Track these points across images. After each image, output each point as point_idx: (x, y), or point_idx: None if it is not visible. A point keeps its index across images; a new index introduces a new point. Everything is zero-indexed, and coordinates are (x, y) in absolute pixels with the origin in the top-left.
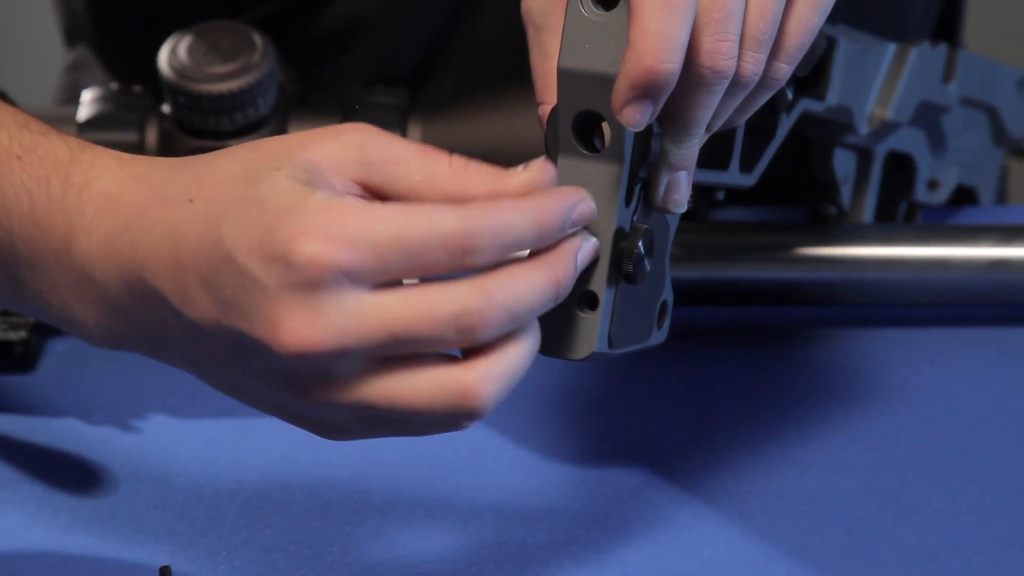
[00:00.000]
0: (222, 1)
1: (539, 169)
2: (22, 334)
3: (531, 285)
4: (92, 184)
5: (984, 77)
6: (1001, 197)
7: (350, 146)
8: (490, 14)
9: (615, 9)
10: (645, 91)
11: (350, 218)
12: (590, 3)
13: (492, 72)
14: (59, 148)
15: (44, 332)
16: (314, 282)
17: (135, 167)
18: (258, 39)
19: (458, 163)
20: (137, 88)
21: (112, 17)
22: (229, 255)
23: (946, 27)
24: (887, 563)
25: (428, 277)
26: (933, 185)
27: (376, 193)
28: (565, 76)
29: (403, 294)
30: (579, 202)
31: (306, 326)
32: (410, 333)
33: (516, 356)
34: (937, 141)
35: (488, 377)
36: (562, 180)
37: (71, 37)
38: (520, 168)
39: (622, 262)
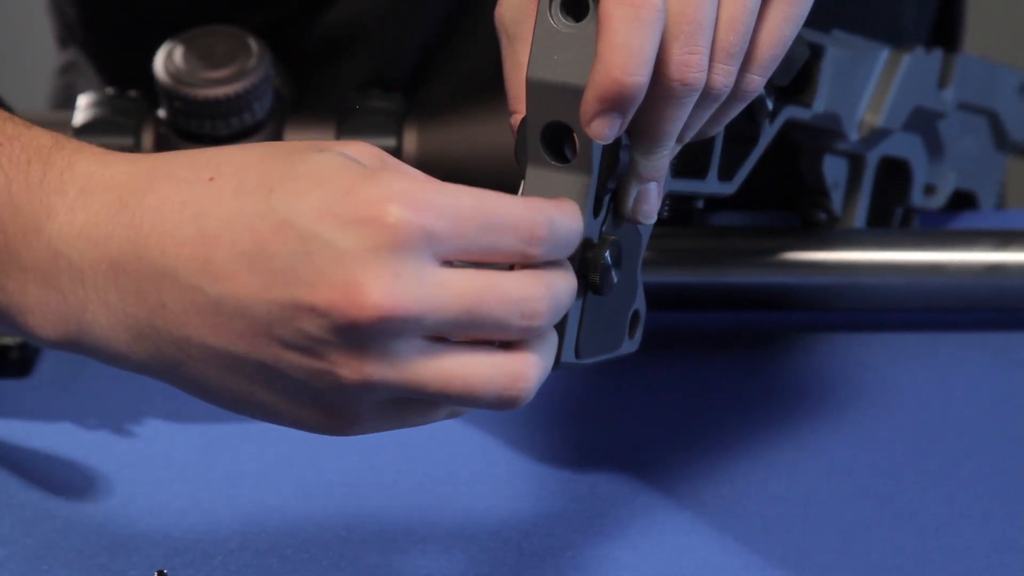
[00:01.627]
0: (218, 7)
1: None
2: (18, 339)
3: (570, 286)
4: (75, 165)
5: (984, 81)
6: (999, 202)
7: (369, 150)
8: (486, 20)
9: (584, 20)
10: (613, 104)
11: (431, 188)
12: (559, 14)
13: (487, 78)
14: (43, 136)
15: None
16: (400, 245)
17: (125, 156)
18: (254, 44)
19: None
20: (133, 93)
21: (106, 23)
22: (285, 222)
23: (945, 30)
24: (883, 567)
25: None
26: (930, 190)
27: None
28: (534, 87)
29: (477, 273)
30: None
31: (388, 289)
32: (482, 310)
33: (552, 349)
34: (934, 146)
35: (537, 363)
36: (530, 190)
37: (64, 41)
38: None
39: (589, 272)
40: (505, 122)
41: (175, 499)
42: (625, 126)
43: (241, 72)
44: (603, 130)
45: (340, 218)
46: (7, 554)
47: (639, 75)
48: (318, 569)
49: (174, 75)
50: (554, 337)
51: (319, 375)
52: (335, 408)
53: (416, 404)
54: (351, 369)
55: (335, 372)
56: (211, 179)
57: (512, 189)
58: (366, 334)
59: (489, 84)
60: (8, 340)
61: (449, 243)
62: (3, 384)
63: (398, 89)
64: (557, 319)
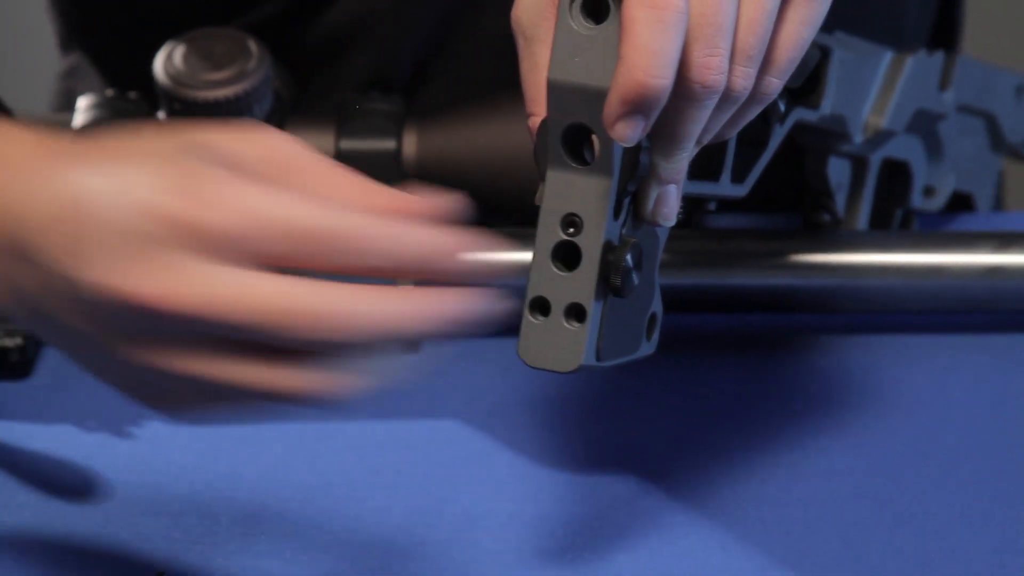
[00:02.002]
0: (214, 5)
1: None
2: (18, 340)
3: (389, 306)
4: None
5: (982, 83)
6: (998, 204)
7: (254, 143)
8: (486, 21)
9: (605, 22)
10: (637, 106)
11: (222, 187)
12: (580, 16)
13: (488, 79)
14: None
15: (40, 339)
16: (168, 239)
17: (44, 134)
18: (253, 46)
19: (357, 179)
20: (133, 95)
21: (106, 24)
22: (111, 207)
23: (945, 31)
24: (882, 570)
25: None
26: (929, 192)
27: None
28: (555, 89)
29: (256, 278)
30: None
31: (142, 279)
32: (236, 315)
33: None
34: (933, 148)
35: (299, 378)
36: (551, 192)
37: (66, 44)
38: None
39: (610, 275)
40: (505, 124)
41: (174, 501)
42: (648, 128)
43: (241, 74)
44: (627, 132)
45: (135, 205)
46: (6, 556)
47: (663, 77)
48: (318, 571)
49: (174, 77)
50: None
51: (119, 357)
52: (157, 391)
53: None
54: (134, 354)
55: (126, 354)
56: (88, 160)
57: (511, 190)
58: (126, 319)
59: (489, 85)
60: (8, 342)
61: (227, 244)
62: (2, 386)
63: (398, 90)
64: (345, 335)
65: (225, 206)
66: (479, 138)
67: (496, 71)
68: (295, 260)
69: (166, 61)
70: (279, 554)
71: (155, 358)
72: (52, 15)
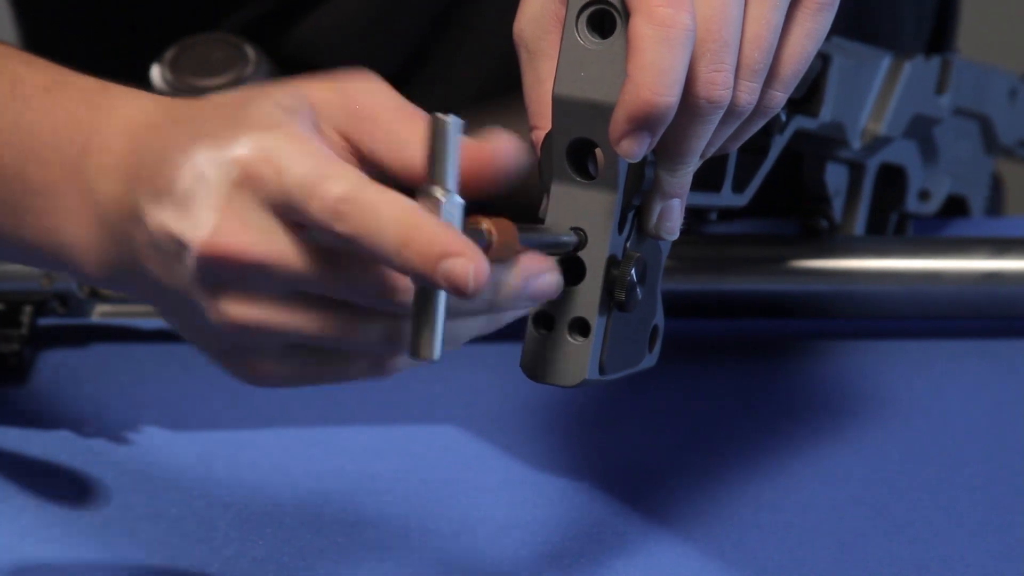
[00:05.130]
0: (196, 9)
1: (504, 139)
2: (15, 346)
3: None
4: (118, 108)
5: (977, 85)
6: (997, 209)
7: (344, 94)
8: (477, 26)
9: (611, 37)
10: (643, 123)
11: (290, 145)
12: (586, 31)
13: (483, 84)
14: (88, 80)
15: (37, 343)
16: (250, 188)
17: (164, 99)
18: (250, 51)
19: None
20: None
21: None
22: (192, 159)
23: (939, 32)
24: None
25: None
26: (924, 196)
27: (353, 145)
28: (560, 103)
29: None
30: (457, 257)
31: (231, 230)
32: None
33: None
34: (929, 152)
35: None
36: (555, 206)
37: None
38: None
39: (614, 290)
40: (503, 127)
41: (172, 506)
42: (654, 144)
43: (238, 80)
44: (633, 149)
45: (219, 160)
46: (4, 562)
47: (670, 95)
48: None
49: (171, 83)
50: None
51: (203, 313)
52: (233, 350)
53: (320, 355)
54: (220, 307)
55: (210, 310)
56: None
57: (509, 193)
58: (222, 273)
59: (485, 90)
60: (5, 347)
61: (278, 195)
62: (0, 391)
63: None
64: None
65: (308, 167)
66: None
67: (491, 76)
68: (311, 221)
69: (163, 67)
70: (276, 558)
71: (237, 309)
72: (16, 19)
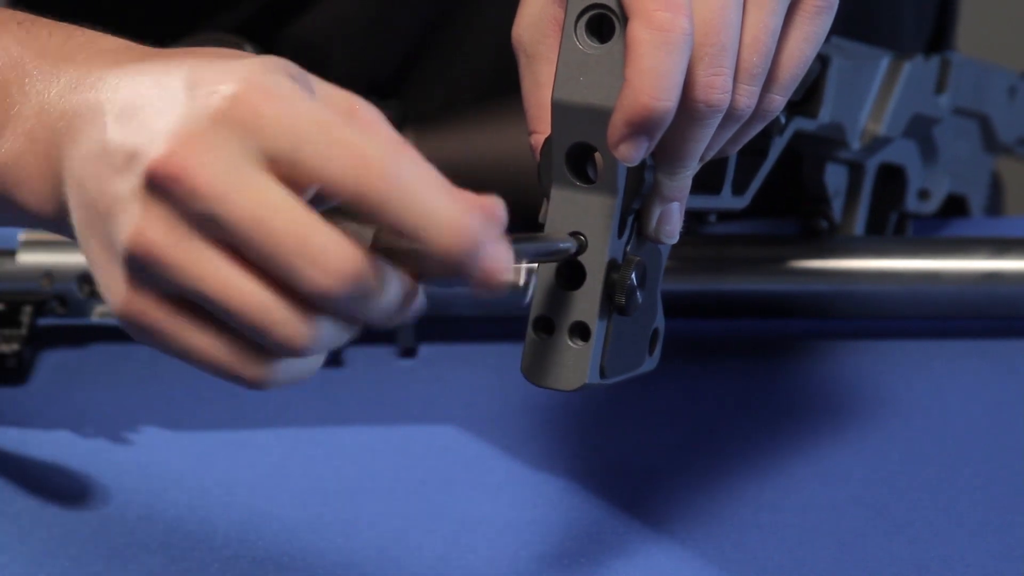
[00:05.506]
0: (190, 7)
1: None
2: (14, 347)
3: (396, 289)
4: (97, 41)
5: (976, 84)
6: (997, 209)
7: (344, 96)
8: (476, 24)
9: (610, 42)
10: (641, 128)
11: (295, 91)
12: (585, 36)
13: (482, 84)
14: (64, 24)
15: (37, 344)
16: (227, 119)
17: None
18: (250, 51)
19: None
20: None
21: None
22: (164, 81)
23: (939, 32)
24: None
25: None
26: (924, 195)
27: None
28: (559, 108)
29: (295, 202)
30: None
31: (192, 153)
32: (275, 235)
33: (333, 339)
34: (928, 152)
35: (312, 329)
36: (555, 211)
37: None
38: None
39: (615, 294)
40: (502, 128)
41: (171, 507)
42: (652, 148)
43: None
44: (631, 153)
45: (199, 84)
46: (4, 561)
47: (668, 100)
48: None
49: None
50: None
51: (117, 226)
52: (125, 277)
53: (202, 322)
54: (136, 223)
55: (126, 225)
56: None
57: (509, 194)
58: (159, 190)
59: (484, 90)
60: (4, 348)
61: (280, 141)
62: (0, 391)
63: (387, 93)
64: (357, 303)
65: (291, 104)
66: (476, 143)
67: (490, 75)
68: (323, 174)
69: None
70: (276, 560)
71: (157, 235)
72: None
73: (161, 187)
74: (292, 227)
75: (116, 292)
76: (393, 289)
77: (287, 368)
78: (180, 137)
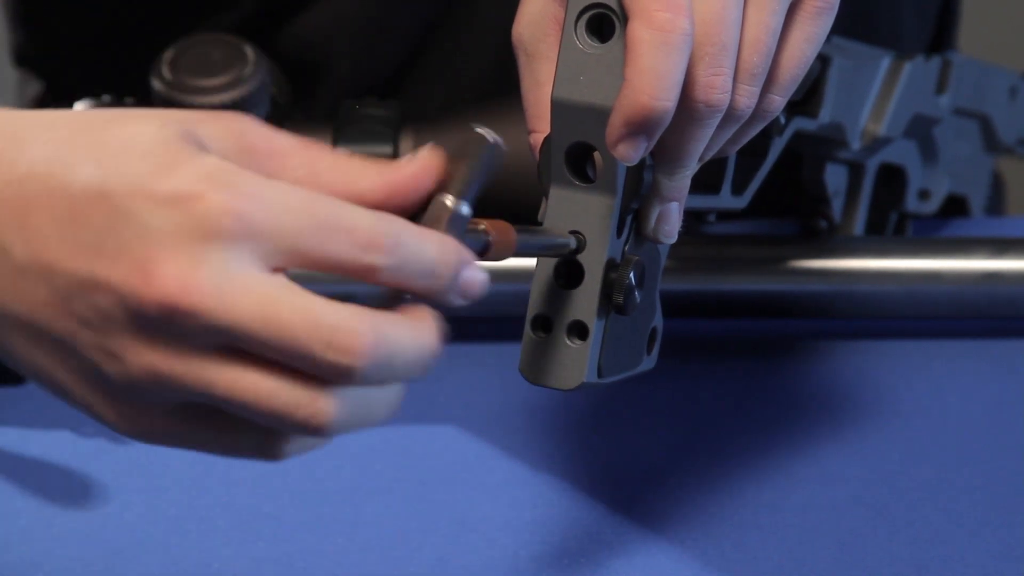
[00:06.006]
0: (187, 7)
1: (426, 157)
2: None
3: (414, 342)
4: None
5: (977, 84)
6: (998, 209)
7: (231, 131)
8: (475, 24)
9: (610, 42)
10: (640, 127)
11: (259, 180)
12: (585, 35)
13: (482, 83)
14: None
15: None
16: (210, 232)
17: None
18: (249, 52)
19: (342, 157)
20: (129, 100)
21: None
22: (102, 194)
23: (939, 32)
24: None
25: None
26: (924, 195)
27: None
28: (559, 107)
29: (293, 288)
30: (470, 265)
31: (182, 277)
32: (284, 328)
33: (370, 408)
34: (929, 152)
35: (335, 407)
36: (553, 210)
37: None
38: (406, 159)
39: (613, 293)
40: (501, 128)
41: (171, 506)
42: (650, 148)
43: (237, 80)
44: (629, 152)
45: (154, 195)
46: (3, 562)
47: (667, 100)
48: None
49: (170, 83)
50: (382, 396)
51: (109, 358)
52: (126, 401)
53: (211, 421)
54: (137, 356)
55: (122, 357)
56: (47, 142)
57: (508, 194)
58: (153, 320)
59: (484, 90)
60: None
61: (274, 240)
62: (0, 391)
63: (386, 93)
64: (383, 370)
65: (264, 196)
66: None
67: (490, 76)
68: (339, 260)
69: (162, 68)
70: (276, 559)
71: (160, 360)
72: (13, 21)
73: (156, 318)
74: (300, 317)
75: (112, 415)
76: (417, 339)
77: (303, 443)
78: (158, 261)
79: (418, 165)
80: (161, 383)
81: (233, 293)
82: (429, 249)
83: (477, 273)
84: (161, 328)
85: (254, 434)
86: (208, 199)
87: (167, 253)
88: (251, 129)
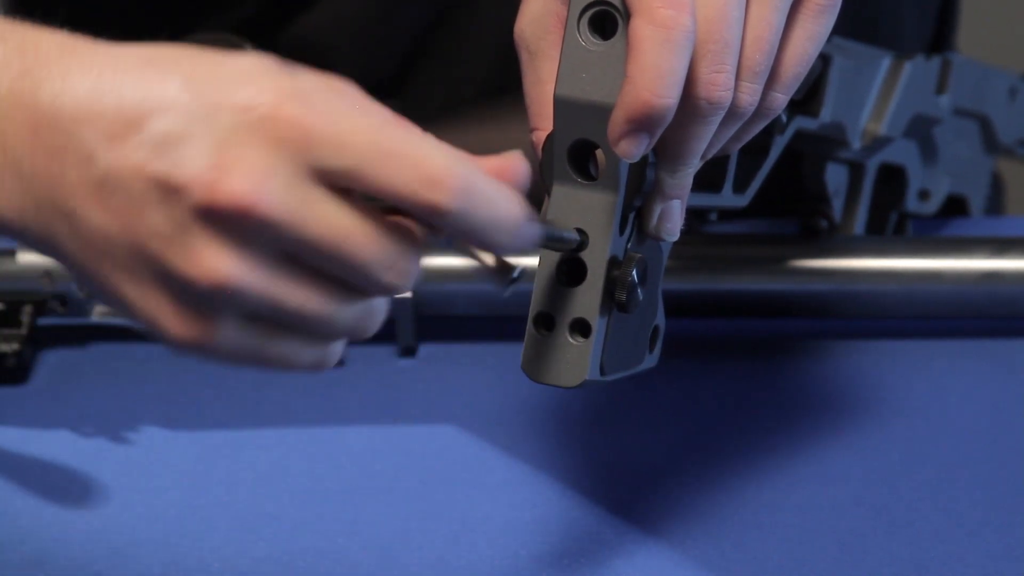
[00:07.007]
0: (188, 7)
1: (513, 156)
2: (15, 346)
3: (506, 201)
4: (42, 39)
5: (977, 85)
6: (997, 209)
7: (332, 85)
8: (476, 23)
9: (613, 39)
10: (642, 124)
11: (335, 102)
12: (588, 32)
13: (482, 82)
14: (35, 29)
15: (37, 344)
16: (280, 141)
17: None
18: (250, 51)
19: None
20: None
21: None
22: (181, 100)
23: (940, 32)
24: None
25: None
26: (924, 195)
27: None
28: (561, 105)
29: (353, 211)
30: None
31: (255, 182)
32: (351, 249)
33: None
34: (929, 152)
35: (382, 312)
36: (555, 207)
37: None
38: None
39: (615, 291)
40: (502, 127)
41: (171, 506)
42: (652, 145)
43: None
44: (631, 149)
45: (228, 103)
46: (3, 561)
47: (669, 97)
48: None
49: None
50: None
51: (180, 264)
52: (192, 310)
53: (273, 331)
54: (207, 259)
55: (193, 261)
56: (147, 61)
57: None
58: (224, 223)
59: (485, 89)
60: (5, 347)
61: (336, 157)
62: (0, 391)
63: (388, 93)
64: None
65: (310, 104)
66: (477, 142)
67: (490, 75)
68: (391, 188)
69: None
70: (277, 559)
71: (226, 265)
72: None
73: (225, 220)
74: (368, 242)
75: (178, 327)
76: (507, 199)
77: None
78: (231, 165)
79: (508, 158)
80: (237, 293)
81: (301, 210)
82: (500, 200)
83: (537, 228)
84: (232, 232)
85: (315, 347)
86: (275, 108)
87: (240, 158)
88: (351, 90)
